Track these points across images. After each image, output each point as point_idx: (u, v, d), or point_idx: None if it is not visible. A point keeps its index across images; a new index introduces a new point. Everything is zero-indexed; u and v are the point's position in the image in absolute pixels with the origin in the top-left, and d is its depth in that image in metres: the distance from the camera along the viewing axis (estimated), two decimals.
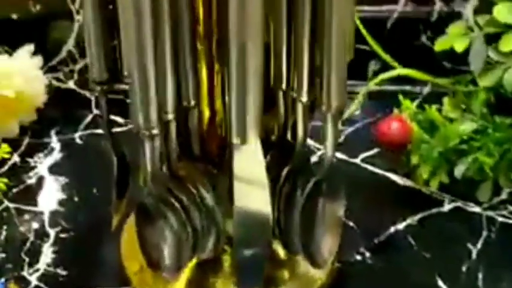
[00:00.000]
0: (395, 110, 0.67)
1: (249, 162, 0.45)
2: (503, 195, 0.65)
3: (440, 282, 0.59)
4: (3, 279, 0.57)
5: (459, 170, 0.63)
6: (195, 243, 0.51)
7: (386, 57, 0.65)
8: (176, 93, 0.47)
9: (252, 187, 0.46)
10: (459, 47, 0.63)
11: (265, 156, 0.47)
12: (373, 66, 0.76)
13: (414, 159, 0.63)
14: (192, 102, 0.49)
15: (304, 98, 0.47)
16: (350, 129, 0.73)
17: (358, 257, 0.61)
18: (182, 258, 0.51)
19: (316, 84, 0.47)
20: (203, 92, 0.50)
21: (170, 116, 0.47)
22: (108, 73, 0.50)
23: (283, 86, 0.48)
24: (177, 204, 0.51)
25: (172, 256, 0.51)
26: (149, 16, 0.42)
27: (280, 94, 0.49)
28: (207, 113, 0.51)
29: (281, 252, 0.56)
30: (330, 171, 0.50)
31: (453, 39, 0.64)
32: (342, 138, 0.72)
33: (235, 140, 0.45)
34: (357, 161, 0.69)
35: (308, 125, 0.50)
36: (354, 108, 0.66)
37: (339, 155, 0.70)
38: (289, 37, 0.47)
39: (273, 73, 0.48)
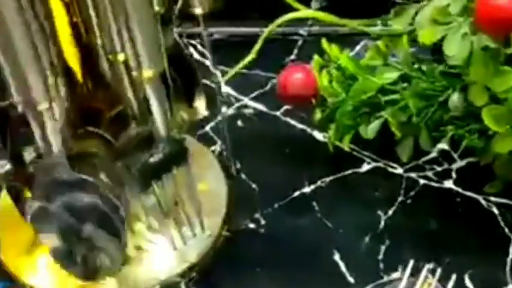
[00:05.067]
0: (316, 58, 0.59)
1: None
2: (434, 153, 0.57)
3: (336, 257, 0.52)
4: None
5: (372, 130, 0.55)
6: None
7: None
8: None
9: None
10: None
11: None
12: (315, 4, 0.68)
13: (317, 116, 0.55)
14: None
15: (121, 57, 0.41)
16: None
17: (252, 225, 0.55)
18: None
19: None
20: None
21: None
22: None
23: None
24: None
25: None
26: None
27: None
28: None
29: None
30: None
31: None
32: (268, 87, 0.65)
33: None
34: (278, 113, 0.62)
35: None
36: (249, 58, 0.58)
37: (259, 106, 0.63)
38: None
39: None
